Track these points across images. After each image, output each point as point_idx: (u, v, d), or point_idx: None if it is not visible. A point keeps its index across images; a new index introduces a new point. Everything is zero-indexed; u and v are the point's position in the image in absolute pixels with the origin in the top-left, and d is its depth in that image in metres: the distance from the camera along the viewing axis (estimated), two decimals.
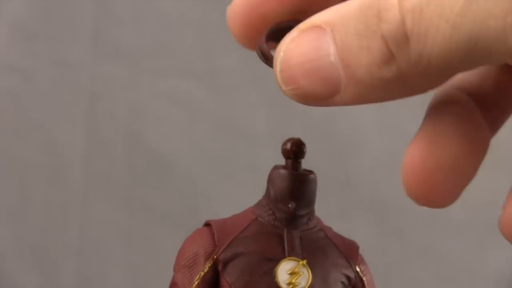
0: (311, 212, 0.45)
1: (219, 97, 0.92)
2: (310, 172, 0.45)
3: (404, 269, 0.91)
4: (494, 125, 0.31)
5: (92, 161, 0.91)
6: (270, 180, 0.45)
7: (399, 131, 0.93)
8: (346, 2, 0.26)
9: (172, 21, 0.93)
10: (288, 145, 0.45)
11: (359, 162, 0.92)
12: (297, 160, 0.45)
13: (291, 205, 0.44)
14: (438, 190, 0.28)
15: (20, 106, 0.91)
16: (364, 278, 0.46)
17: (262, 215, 0.44)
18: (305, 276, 0.42)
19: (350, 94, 0.26)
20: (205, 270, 0.42)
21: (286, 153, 0.45)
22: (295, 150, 0.45)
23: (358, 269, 0.45)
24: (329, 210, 0.90)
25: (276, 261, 0.42)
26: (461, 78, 0.30)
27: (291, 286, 0.42)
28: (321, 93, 0.27)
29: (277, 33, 0.29)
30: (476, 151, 0.29)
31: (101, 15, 0.92)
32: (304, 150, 0.45)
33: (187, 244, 0.44)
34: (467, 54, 0.24)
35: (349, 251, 0.45)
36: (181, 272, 0.43)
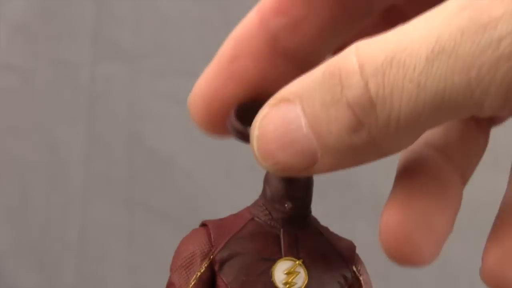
0: (308, 212, 0.45)
1: None
2: None
3: (404, 269, 0.91)
4: (465, 175, 0.31)
5: (92, 161, 0.91)
6: (266, 180, 0.45)
7: None
8: (311, 72, 0.26)
9: (172, 21, 0.93)
10: None
11: None
12: None
13: (287, 205, 0.43)
14: (418, 250, 0.28)
15: (20, 106, 0.91)
16: (361, 278, 0.46)
17: (259, 215, 0.44)
18: (302, 275, 0.42)
19: (327, 163, 0.26)
20: (202, 270, 0.43)
21: None
22: None
23: (354, 269, 0.45)
24: (329, 210, 0.90)
25: (272, 261, 0.42)
26: (426, 134, 0.30)
27: (287, 285, 0.42)
28: (299, 165, 0.27)
29: (242, 113, 0.29)
30: (450, 205, 0.29)
31: (101, 15, 0.92)
32: None
33: (183, 245, 0.45)
34: (434, 111, 0.24)
35: (346, 251, 0.45)
36: (177, 272, 0.43)
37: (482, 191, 0.91)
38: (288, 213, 0.43)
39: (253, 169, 1.00)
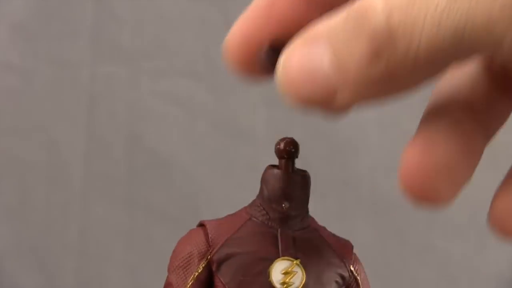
0: (305, 212, 0.45)
1: (219, 97, 0.92)
2: (304, 172, 0.46)
3: (404, 269, 0.91)
4: (488, 132, 0.32)
5: (92, 161, 0.91)
6: (263, 180, 0.45)
7: (399, 131, 0.93)
8: (337, 12, 0.27)
9: (172, 21, 0.93)
10: (282, 145, 0.46)
11: (359, 162, 0.92)
12: (290, 160, 0.45)
13: (284, 205, 0.44)
14: (435, 188, 0.29)
15: (20, 106, 0.91)
16: (358, 277, 0.46)
17: (256, 215, 0.44)
18: (299, 275, 0.43)
19: (346, 97, 0.27)
20: (199, 271, 0.43)
21: (279, 153, 0.46)
22: (288, 150, 0.45)
23: (352, 268, 0.46)
24: (329, 210, 0.90)
25: (270, 260, 0.42)
26: (453, 88, 0.31)
27: (285, 285, 0.42)
28: (319, 98, 0.28)
29: (274, 51, 0.31)
30: (471, 153, 0.30)
31: (101, 15, 0.92)
32: (298, 150, 0.46)
33: (181, 245, 0.45)
34: (454, 47, 0.25)
35: (343, 250, 0.46)
36: (175, 272, 0.44)
37: (482, 191, 0.91)
38: (286, 213, 0.44)
39: (253, 169, 0.99)
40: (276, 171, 0.45)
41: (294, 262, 0.43)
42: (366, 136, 0.92)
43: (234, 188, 0.90)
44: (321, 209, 0.92)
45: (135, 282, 0.91)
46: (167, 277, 0.44)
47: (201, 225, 0.45)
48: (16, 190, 0.90)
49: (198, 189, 0.91)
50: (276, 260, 0.43)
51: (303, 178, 0.45)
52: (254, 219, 0.44)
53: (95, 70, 0.92)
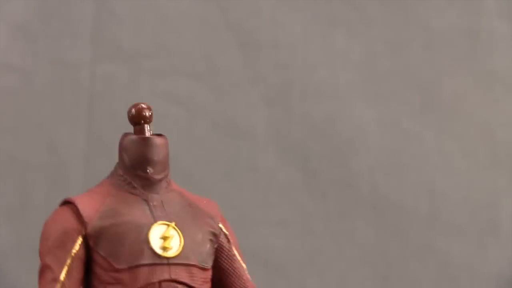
0: (168, 176, 0.46)
1: (219, 97, 0.92)
2: (160, 134, 0.47)
3: (404, 269, 0.91)
4: None
5: (92, 161, 0.91)
6: (123, 148, 0.46)
7: (399, 131, 0.93)
8: None
9: (172, 21, 0.93)
10: (134, 111, 0.46)
11: (359, 162, 0.92)
12: (144, 125, 0.46)
13: (149, 170, 0.44)
14: None
15: (20, 106, 0.91)
16: (227, 232, 0.47)
17: (121, 185, 0.45)
18: (176, 238, 0.43)
19: None
20: (77, 248, 0.43)
21: (133, 119, 0.46)
22: (144, 115, 0.46)
23: (221, 225, 0.47)
24: (329, 210, 0.90)
25: (146, 227, 0.43)
26: None
27: (165, 250, 0.42)
28: None
29: None
30: None
31: (101, 15, 0.92)
32: (150, 114, 0.46)
33: (49, 226, 0.45)
34: None
35: (210, 209, 0.47)
36: (51, 254, 0.44)
37: (482, 191, 0.91)
38: (151, 178, 0.45)
39: (253, 169, 1.00)
40: (134, 137, 0.45)
41: (170, 225, 0.43)
42: (366, 136, 0.92)
43: (234, 188, 0.90)
44: (321, 209, 0.93)
45: None
46: (42, 260, 0.44)
47: (66, 203, 0.45)
48: (16, 190, 0.90)
49: (198, 189, 0.91)
50: (152, 226, 0.43)
51: (162, 141, 0.46)
52: (120, 189, 0.44)
53: (95, 70, 0.92)
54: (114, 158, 0.93)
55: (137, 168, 0.44)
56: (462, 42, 0.95)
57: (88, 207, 0.43)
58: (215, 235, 0.45)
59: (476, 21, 0.95)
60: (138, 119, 0.45)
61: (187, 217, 0.44)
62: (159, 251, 0.42)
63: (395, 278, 0.91)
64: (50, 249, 0.44)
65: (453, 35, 0.95)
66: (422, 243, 0.91)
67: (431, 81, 0.93)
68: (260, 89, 0.92)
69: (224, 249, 0.46)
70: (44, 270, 0.44)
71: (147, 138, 0.45)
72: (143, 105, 0.45)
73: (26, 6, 0.92)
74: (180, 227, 0.43)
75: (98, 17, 0.92)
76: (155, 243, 0.42)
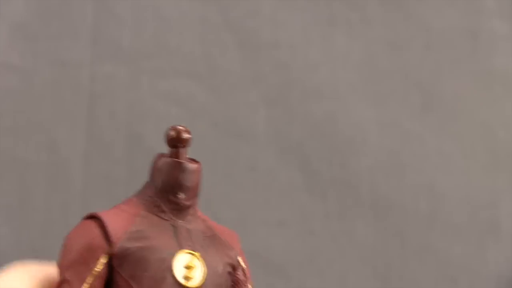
0: (196, 203, 0.45)
1: (219, 97, 0.92)
2: (196, 161, 0.45)
3: (404, 269, 0.91)
4: None
5: (92, 161, 0.91)
6: (156, 169, 0.44)
7: (399, 131, 0.93)
8: None
9: (172, 21, 0.93)
10: (172, 133, 0.44)
11: (359, 162, 0.92)
12: (182, 149, 0.44)
13: (180, 196, 0.43)
14: None
15: (20, 106, 0.91)
16: (244, 266, 0.46)
17: (150, 207, 0.43)
18: (199, 268, 0.42)
19: None
20: (100, 267, 0.41)
21: (171, 141, 0.44)
22: (183, 138, 0.44)
23: (239, 259, 0.45)
24: (329, 210, 0.90)
25: (171, 254, 0.42)
26: None
27: (188, 280, 0.41)
28: None
29: None
30: None
31: (101, 15, 0.92)
32: (189, 137, 0.44)
33: (73, 239, 0.42)
34: None
35: (231, 241, 0.45)
36: (72, 269, 0.41)
37: (482, 191, 0.91)
38: (180, 204, 0.43)
39: (253, 169, 1.00)
40: (169, 160, 0.43)
41: (195, 255, 0.42)
42: (366, 136, 0.92)
43: (234, 188, 0.90)
44: (321, 209, 0.93)
45: None
46: (61, 274, 0.42)
47: (91, 217, 0.43)
48: (16, 190, 0.90)
49: None
50: (176, 254, 0.42)
51: (197, 168, 0.44)
52: (148, 211, 0.43)
53: (95, 70, 0.92)
54: (114, 158, 0.94)
55: (169, 192, 0.43)
56: (462, 42, 0.95)
57: (116, 225, 0.42)
58: (233, 267, 0.45)
59: (476, 21, 0.95)
60: (175, 142, 0.43)
61: (210, 248, 0.44)
62: (181, 280, 0.41)
63: (395, 278, 0.91)
64: (71, 263, 0.41)
65: (453, 35, 0.95)
66: (422, 243, 0.91)
67: (431, 81, 0.93)
68: (260, 89, 0.92)
69: (240, 283, 0.45)
70: (62, 284, 0.42)
71: (183, 163, 0.43)
72: (182, 128, 0.43)
73: (26, 6, 0.92)
74: (203, 257, 0.42)
75: (98, 17, 0.93)
76: (179, 272, 0.42)
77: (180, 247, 0.42)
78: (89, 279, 0.41)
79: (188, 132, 0.44)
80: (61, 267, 0.42)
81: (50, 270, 0.44)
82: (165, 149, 0.96)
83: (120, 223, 0.42)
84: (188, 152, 0.46)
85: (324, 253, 0.89)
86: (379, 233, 0.91)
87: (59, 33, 0.92)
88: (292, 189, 0.89)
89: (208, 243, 0.44)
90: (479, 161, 0.92)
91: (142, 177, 0.92)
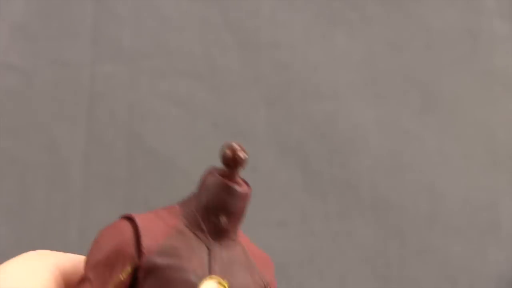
0: (238, 228, 0.42)
1: (219, 97, 0.92)
2: (247, 184, 0.42)
3: (404, 269, 0.91)
4: None
5: (92, 161, 0.91)
6: (204, 185, 0.41)
7: (399, 131, 0.93)
8: None
9: (172, 21, 0.93)
10: (228, 152, 0.41)
11: (359, 162, 0.92)
12: (237, 169, 0.41)
13: (222, 220, 0.41)
14: None
15: (20, 106, 0.91)
16: None
17: (189, 223, 0.41)
18: None
19: None
20: (124, 276, 0.39)
21: (226, 160, 0.41)
22: (238, 159, 0.41)
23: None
24: (329, 210, 0.90)
25: (198, 279, 0.39)
26: None
27: None
28: None
29: None
30: None
31: (101, 15, 0.92)
32: (245, 158, 0.41)
33: (104, 238, 0.41)
34: None
35: (265, 268, 0.43)
36: (96, 269, 0.40)
37: (482, 191, 0.91)
38: (221, 228, 0.40)
39: (253, 169, 1.00)
40: (220, 180, 0.40)
41: (222, 284, 0.39)
42: (366, 136, 0.92)
43: None
44: (321, 209, 0.93)
45: None
46: (85, 270, 0.40)
47: (127, 218, 0.40)
48: (16, 190, 0.90)
49: None
50: (204, 279, 0.39)
51: (247, 195, 0.41)
52: (186, 227, 0.40)
53: (95, 70, 0.92)
54: (114, 158, 0.94)
55: (211, 213, 0.40)
56: (462, 42, 0.95)
57: (150, 235, 0.39)
58: None
59: (476, 21, 0.95)
60: (229, 162, 0.40)
61: (241, 277, 0.41)
62: None
63: (395, 278, 0.91)
64: (97, 264, 0.40)
65: (453, 35, 0.95)
66: (422, 243, 0.91)
67: (431, 81, 0.93)
68: (260, 89, 0.92)
69: None
70: (84, 281, 0.40)
71: (232, 187, 0.40)
72: (238, 148, 0.40)
73: (26, 6, 0.92)
74: (231, 284, 0.40)
75: (98, 17, 0.93)
76: None
77: (210, 272, 0.40)
78: (111, 286, 0.39)
79: (245, 152, 0.41)
80: (87, 264, 0.41)
81: (66, 260, 0.42)
82: (165, 149, 0.95)
83: (155, 234, 0.40)
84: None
85: (324, 253, 0.89)
86: (379, 233, 0.91)
87: (59, 33, 0.92)
88: (292, 189, 0.89)
89: (240, 272, 0.41)
90: (479, 161, 0.92)
91: (142, 177, 0.93)
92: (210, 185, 0.41)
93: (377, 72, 0.93)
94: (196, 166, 0.92)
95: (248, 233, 0.91)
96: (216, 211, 0.40)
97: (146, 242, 0.39)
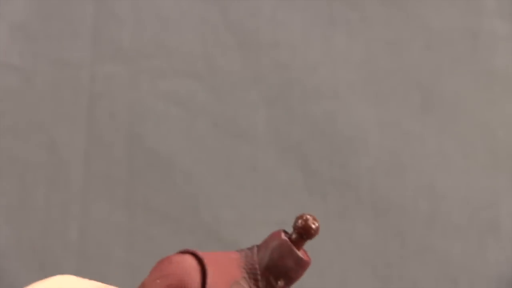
0: None
1: (219, 97, 0.92)
2: (308, 256, 0.43)
3: (404, 269, 0.91)
4: None
5: (92, 161, 0.91)
6: (271, 246, 0.42)
7: (399, 131, 0.93)
8: None
9: (172, 21, 0.93)
10: (300, 222, 0.42)
11: (359, 162, 0.92)
12: (307, 240, 0.42)
13: (280, 283, 0.41)
14: None
15: (20, 106, 0.91)
16: None
17: (248, 277, 0.41)
18: None
19: None
20: None
21: (298, 229, 0.42)
22: (311, 232, 0.42)
23: None
24: (329, 210, 0.90)
25: None
26: None
27: None
28: None
29: None
30: None
31: (101, 15, 0.92)
32: (317, 231, 0.41)
33: (172, 270, 0.41)
34: None
35: None
36: None
37: (482, 191, 0.91)
38: None
39: (253, 169, 1.00)
40: (287, 246, 0.41)
41: None
42: (366, 136, 0.92)
43: (234, 188, 0.90)
44: (321, 209, 0.93)
45: (135, 282, 0.91)
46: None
47: (195, 257, 0.40)
48: (16, 190, 0.90)
49: (198, 189, 0.91)
50: None
51: (308, 265, 0.42)
52: (246, 280, 0.40)
53: (95, 70, 0.92)
54: (114, 158, 0.94)
55: (272, 274, 0.40)
56: (462, 42, 0.95)
57: (214, 281, 0.39)
58: None
59: (476, 21, 0.95)
60: (302, 232, 0.41)
61: None
62: None
63: (395, 278, 0.91)
64: None
65: (453, 35, 0.95)
66: (422, 243, 0.91)
67: (431, 81, 0.93)
68: (260, 89, 0.92)
69: None
70: None
71: (299, 256, 0.41)
72: (311, 218, 0.41)
73: (26, 6, 0.92)
74: None
75: (98, 17, 0.93)
76: None
77: None
78: None
79: (317, 224, 0.41)
80: (144, 286, 0.41)
81: (89, 286, 0.42)
82: (165, 149, 0.96)
83: (218, 282, 0.40)
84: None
85: (324, 253, 0.89)
86: (379, 233, 0.91)
87: (59, 33, 0.92)
88: (292, 189, 0.89)
89: None
90: (479, 161, 0.92)
91: (142, 177, 0.93)
92: (276, 248, 0.41)
93: (377, 72, 0.93)
94: (196, 166, 0.92)
95: (248, 233, 0.91)
96: (277, 274, 0.41)
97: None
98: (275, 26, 0.94)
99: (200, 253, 0.40)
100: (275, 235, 0.42)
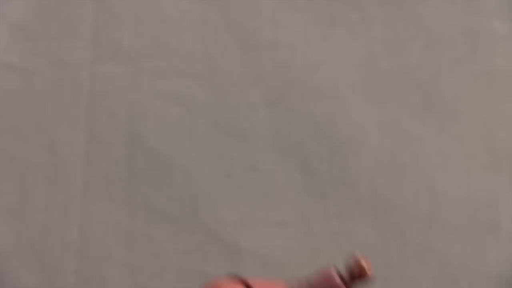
0: None
1: (219, 97, 0.92)
2: None
3: (404, 269, 0.91)
4: None
5: (92, 161, 0.91)
6: (321, 283, 0.43)
7: (399, 131, 0.93)
8: None
9: (172, 21, 0.93)
10: (353, 264, 0.43)
11: (359, 162, 0.92)
12: (356, 282, 0.43)
13: None
14: None
15: (20, 106, 0.91)
16: None
17: None
18: None
19: None
20: None
21: (352, 273, 0.43)
22: (361, 275, 0.43)
23: None
24: (329, 210, 0.90)
25: None
26: None
27: None
28: None
29: None
30: None
31: (101, 15, 0.92)
32: (370, 276, 0.43)
33: None
34: None
35: None
36: None
37: (482, 191, 0.91)
38: None
39: (253, 169, 1.00)
40: (339, 284, 0.42)
41: None
42: (366, 136, 0.92)
43: (234, 188, 0.90)
44: (321, 209, 0.93)
45: (135, 282, 0.91)
46: None
47: (246, 285, 0.42)
48: (16, 190, 0.90)
49: (198, 189, 0.91)
50: None
51: None
52: None
53: (95, 70, 0.92)
54: (114, 158, 0.94)
55: None
56: (462, 42, 0.95)
57: None
58: None
59: (476, 21, 0.95)
60: (354, 275, 0.43)
61: None
62: None
63: (395, 278, 0.91)
64: None
65: (453, 35, 0.95)
66: (422, 243, 0.91)
67: (431, 81, 0.93)
68: (260, 89, 0.92)
69: None
70: None
71: None
72: (365, 265, 0.42)
73: (26, 6, 0.92)
74: None
75: (98, 17, 0.93)
76: None
77: None
78: None
79: (371, 270, 0.42)
80: None
81: None
82: (165, 149, 0.96)
83: None
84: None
85: (324, 253, 0.89)
86: (379, 233, 0.91)
87: (59, 33, 0.92)
88: (292, 189, 0.89)
89: None
90: (479, 161, 0.92)
91: (142, 177, 0.93)
92: (327, 285, 0.43)
93: (377, 72, 0.93)
94: (196, 166, 0.92)
95: (248, 233, 0.91)
96: None
97: None
98: (275, 26, 0.94)
99: (250, 281, 0.41)
100: (325, 272, 0.43)
